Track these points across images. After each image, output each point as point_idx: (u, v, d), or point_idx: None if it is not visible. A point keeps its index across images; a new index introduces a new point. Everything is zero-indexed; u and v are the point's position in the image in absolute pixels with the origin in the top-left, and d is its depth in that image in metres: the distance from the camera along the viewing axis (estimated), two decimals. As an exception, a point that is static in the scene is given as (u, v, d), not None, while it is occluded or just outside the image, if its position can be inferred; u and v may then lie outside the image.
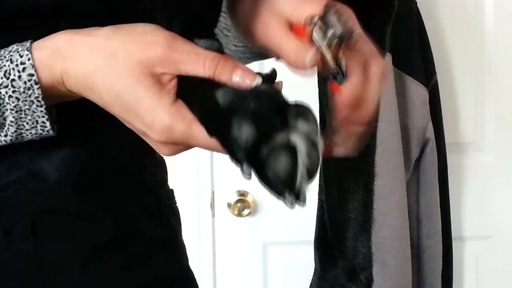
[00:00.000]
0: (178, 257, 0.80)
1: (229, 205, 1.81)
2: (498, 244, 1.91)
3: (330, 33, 0.57)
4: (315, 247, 0.76)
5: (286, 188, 0.52)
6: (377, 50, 0.63)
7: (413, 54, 1.69)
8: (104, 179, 0.71)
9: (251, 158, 0.52)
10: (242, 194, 1.81)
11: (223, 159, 1.83)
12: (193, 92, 0.56)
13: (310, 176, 0.52)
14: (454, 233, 1.81)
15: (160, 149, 0.60)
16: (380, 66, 0.62)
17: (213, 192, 1.82)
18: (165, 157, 0.83)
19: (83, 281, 0.69)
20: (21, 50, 0.59)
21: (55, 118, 0.62)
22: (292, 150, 0.51)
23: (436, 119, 1.74)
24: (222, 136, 0.54)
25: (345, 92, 0.61)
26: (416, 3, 1.70)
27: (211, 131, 0.55)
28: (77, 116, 0.66)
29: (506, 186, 1.89)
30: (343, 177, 0.73)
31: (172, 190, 0.82)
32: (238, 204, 1.80)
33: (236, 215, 1.81)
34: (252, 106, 0.52)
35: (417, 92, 1.68)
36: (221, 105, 0.54)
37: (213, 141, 0.56)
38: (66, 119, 0.63)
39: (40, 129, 0.61)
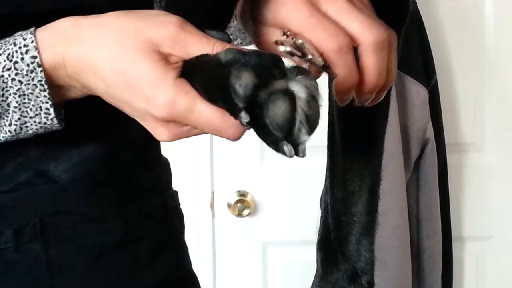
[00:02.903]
0: (182, 258, 0.80)
1: (229, 205, 1.81)
2: (498, 244, 1.91)
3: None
4: (317, 249, 0.76)
5: (284, 136, 0.50)
6: (369, 21, 0.59)
7: (413, 54, 1.69)
8: (112, 180, 0.71)
9: (249, 107, 0.51)
10: (242, 194, 1.81)
11: (223, 159, 1.84)
12: (195, 68, 0.56)
13: (309, 126, 0.51)
14: (454, 233, 1.81)
15: (159, 131, 0.57)
16: (370, 37, 0.59)
17: (213, 192, 1.82)
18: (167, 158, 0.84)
19: (91, 282, 0.69)
20: (24, 34, 0.58)
21: (63, 116, 0.61)
22: (290, 96, 0.50)
23: (436, 119, 1.74)
24: (222, 91, 0.52)
25: (336, 83, 0.60)
26: (416, 3, 1.70)
27: (212, 94, 0.54)
28: (84, 118, 0.65)
29: (506, 186, 1.89)
30: (348, 180, 0.73)
31: (176, 192, 0.82)
32: (238, 204, 1.80)
33: (236, 215, 1.81)
34: (253, 59, 0.52)
35: (417, 92, 1.68)
36: (223, 61, 0.53)
37: (215, 114, 0.54)
38: (73, 120, 0.62)
39: (44, 117, 0.59)
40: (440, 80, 1.76)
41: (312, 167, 1.76)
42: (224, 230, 1.83)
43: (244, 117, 0.51)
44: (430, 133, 1.72)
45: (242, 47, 0.57)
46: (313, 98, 0.51)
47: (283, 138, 0.50)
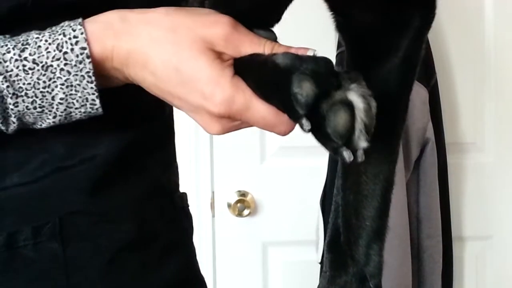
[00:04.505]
0: (190, 260, 0.80)
1: (229, 205, 1.81)
2: (498, 244, 1.91)
3: None
4: (326, 250, 0.76)
5: (344, 143, 0.54)
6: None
7: (413, 54, 1.69)
8: (127, 181, 0.71)
9: (310, 114, 0.54)
10: (242, 194, 1.81)
11: (223, 159, 1.84)
12: (249, 67, 0.58)
13: (367, 133, 0.54)
14: (454, 233, 1.81)
15: (212, 126, 0.59)
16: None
17: (213, 192, 1.83)
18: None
19: (106, 282, 0.69)
20: (73, 25, 0.58)
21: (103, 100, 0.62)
22: (350, 107, 0.53)
23: (436, 119, 1.74)
24: (281, 96, 0.55)
25: None
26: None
27: (269, 94, 0.57)
28: (107, 119, 0.65)
29: (506, 186, 1.89)
30: (362, 183, 0.73)
31: (185, 194, 0.82)
32: (238, 204, 1.80)
33: (236, 215, 1.81)
34: (311, 67, 0.54)
35: (417, 92, 1.68)
36: (280, 66, 0.55)
37: (271, 112, 0.57)
38: (97, 120, 0.63)
39: (90, 107, 0.60)
40: (440, 80, 1.76)
41: (312, 167, 1.76)
42: (224, 230, 1.83)
43: (306, 124, 0.54)
44: (430, 133, 1.72)
45: (291, 47, 0.60)
46: (369, 107, 0.54)
47: (343, 145, 0.54)
